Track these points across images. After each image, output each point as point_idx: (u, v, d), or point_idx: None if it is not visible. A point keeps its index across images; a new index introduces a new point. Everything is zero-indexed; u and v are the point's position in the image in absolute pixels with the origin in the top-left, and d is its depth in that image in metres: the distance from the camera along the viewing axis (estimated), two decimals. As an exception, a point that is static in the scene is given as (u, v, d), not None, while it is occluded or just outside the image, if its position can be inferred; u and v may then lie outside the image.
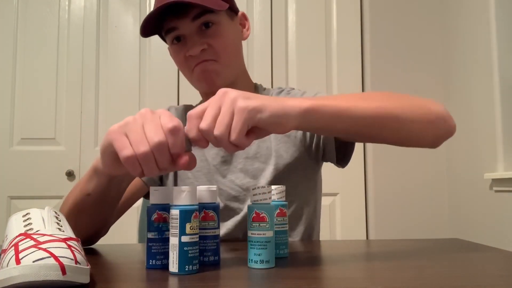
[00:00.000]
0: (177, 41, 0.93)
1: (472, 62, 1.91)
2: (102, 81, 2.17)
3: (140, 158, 0.55)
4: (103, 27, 2.19)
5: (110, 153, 0.60)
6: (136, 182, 0.95)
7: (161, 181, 1.01)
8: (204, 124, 0.57)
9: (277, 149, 0.96)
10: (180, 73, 2.16)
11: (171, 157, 0.57)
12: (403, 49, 2.18)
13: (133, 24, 2.20)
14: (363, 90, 2.18)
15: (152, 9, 2.41)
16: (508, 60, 1.72)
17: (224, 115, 0.57)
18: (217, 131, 0.57)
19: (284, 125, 0.61)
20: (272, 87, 2.15)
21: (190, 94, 2.18)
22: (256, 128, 0.60)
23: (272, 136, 0.96)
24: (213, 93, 0.96)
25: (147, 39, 2.17)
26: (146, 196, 1.01)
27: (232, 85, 0.97)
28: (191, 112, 0.59)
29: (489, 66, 1.76)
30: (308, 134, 0.96)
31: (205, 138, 0.58)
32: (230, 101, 0.58)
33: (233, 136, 0.57)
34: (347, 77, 2.18)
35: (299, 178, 0.97)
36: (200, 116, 0.58)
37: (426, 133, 0.76)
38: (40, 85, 2.14)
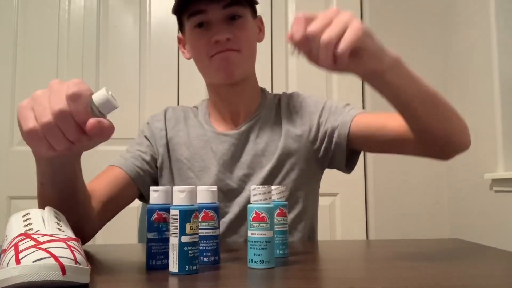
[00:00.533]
0: (200, 26, 0.93)
1: (472, 62, 1.91)
2: (102, 81, 2.17)
3: (44, 129, 0.53)
4: (103, 27, 2.19)
5: (23, 133, 0.57)
6: (120, 180, 0.93)
7: (155, 183, 1.00)
8: (314, 27, 0.59)
9: (286, 144, 0.96)
10: (180, 73, 2.17)
11: (78, 126, 0.54)
12: (403, 49, 2.17)
13: (133, 24, 2.20)
14: (363, 90, 2.18)
15: (152, 9, 2.39)
16: (508, 60, 1.72)
17: (337, 24, 0.59)
18: (326, 35, 0.58)
19: (381, 60, 0.65)
20: (272, 87, 2.15)
21: (190, 94, 2.19)
22: (356, 55, 0.62)
23: (283, 131, 0.97)
24: (224, 86, 0.96)
25: (147, 38, 2.17)
26: (142, 198, 1.01)
27: (244, 82, 0.98)
28: (299, 15, 0.60)
29: (489, 66, 1.76)
30: (320, 136, 0.97)
31: (307, 43, 0.59)
32: (347, 16, 0.60)
33: (342, 44, 0.58)
34: (347, 77, 2.18)
35: (303, 179, 0.97)
36: (309, 21, 0.59)
37: (459, 132, 0.82)
38: (40, 85, 2.11)
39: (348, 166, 0.97)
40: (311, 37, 0.58)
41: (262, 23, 1.03)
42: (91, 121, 0.54)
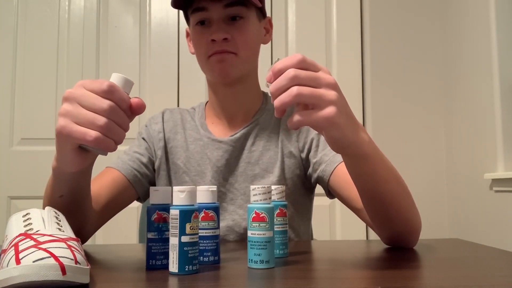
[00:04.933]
0: (202, 24, 0.93)
1: (472, 62, 1.91)
2: (102, 81, 2.17)
3: (105, 131, 0.56)
4: (103, 27, 2.19)
5: (71, 150, 0.60)
6: (118, 183, 0.93)
7: (153, 185, 1.00)
8: (298, 73, 0.56)
9: (283, 162, 0.96)
10: (180, 72, 2.17)
11: (125, 112, 0.58)
12: (403, 49, 2.18)
13: (133, 24, 2.20)
14: (363, 90, 2.18)
15: (152, 9, 2.39)
16: (508, 60, 1.72)
17: (315, 96, 0.55)
18: (299, 90, 0.55)
19: (349, 148, 0.62)
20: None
21: (190, 94, 2.19)
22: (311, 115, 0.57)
23: (279, 148, 0.97)
24: (221, 85, 0.96)
25: (147, 38, 2.17)
26: (140, 200, 1.01)
27: (241, 83, 0.97)
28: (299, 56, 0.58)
29: (489, 66, 1.76)
30: (310, 156, 0.96)
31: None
32: (330, 78, 0.58)
33: (299, 118, 0.56)
34: (347, 77, 2.18)
35: (297, 196, 0.97)
36: (302, 64, 0.57)
37: (409, 227, 0.76)
38: (40, 85, 2.13)
39: (330, 194, 0.95)
40: (288, 77, 0.55)
41: (271, 24, 1.02)
42: (135, 100, 0.59)
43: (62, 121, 0.57)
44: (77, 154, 0.61)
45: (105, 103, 0.56)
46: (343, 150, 0.64)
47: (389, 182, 0.69)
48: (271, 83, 0.57)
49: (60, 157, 0.63)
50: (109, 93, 0.57)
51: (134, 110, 0.59)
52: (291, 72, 0.55)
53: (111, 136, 0.57)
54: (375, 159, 0.66)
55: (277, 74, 0.57)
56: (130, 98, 0.59)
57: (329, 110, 0.56)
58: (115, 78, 0.59)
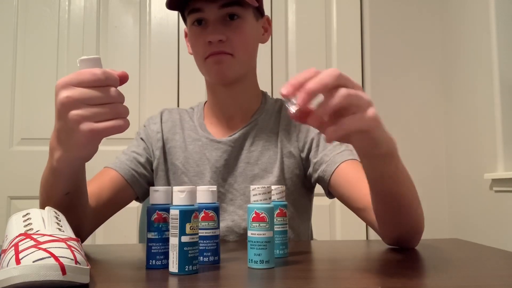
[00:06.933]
0: (198, 24, 0.92)
1: (472, 61, 1.91)
2: (102, 81, 2.17)
3: (122, 114, 0.59)
4: (103, 27, 2.19)
5: (97, 144, 0.62)
6: (116, 183, 0.93)
7: (151, 186, 1.00)
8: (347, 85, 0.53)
9: (282, 162, 0.96)
10: (180, 72, 2.17)
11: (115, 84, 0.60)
12: (403, 49, 2.18)
13: (133, 24, 2.20)
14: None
15: (152, 9, 2.38)
16: (508, 60, 1.72)
17: (354, 92, 0.53)
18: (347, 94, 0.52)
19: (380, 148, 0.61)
20: (272, 89, 2.14)
21: (190, 94, 2.19)
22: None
23: (279, 148, 0.97)
24: (219, 86, 0.96)
25: (147, 38, 2.17)
26: (138, 200, 1.01)
27: (240, 84, 0.97)
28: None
29: (489, 66, 1.76)
30: (310, 157, 0.95)
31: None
32: (365, 96, 0.55)
33: (349, 125, 0.53)
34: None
35: (297, 196, 0.97)
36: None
37: (412, 228, 0.75)
38: (40, 85, 2.13)
39: (330, 194, 0.95)
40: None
41: (269, 23, 1.01)
42: (119, 73, 0.61)
43: (85, 126, 0.58)
44: (98, 144, 0.63)
45: (111, 91, 0.59)
46: (377, 150, 0.61)
47: (405, 183, 0.69)
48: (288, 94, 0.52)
49: (80, 153, 0.64)
50: (107, 80, 0.58)
51: (123, 82, 0.62)
52: (336, 71, 0.53)
53: (126, 115, 0.60)
54: (398, 159, 0.65)
55: (309, 92, 0.51)
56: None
57: (372, 110, 0.55)
58: (90, 62, 0.60)
